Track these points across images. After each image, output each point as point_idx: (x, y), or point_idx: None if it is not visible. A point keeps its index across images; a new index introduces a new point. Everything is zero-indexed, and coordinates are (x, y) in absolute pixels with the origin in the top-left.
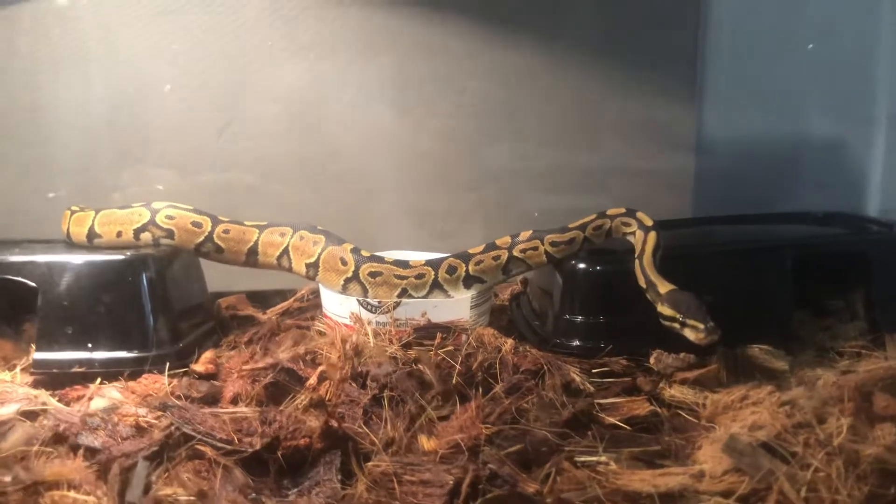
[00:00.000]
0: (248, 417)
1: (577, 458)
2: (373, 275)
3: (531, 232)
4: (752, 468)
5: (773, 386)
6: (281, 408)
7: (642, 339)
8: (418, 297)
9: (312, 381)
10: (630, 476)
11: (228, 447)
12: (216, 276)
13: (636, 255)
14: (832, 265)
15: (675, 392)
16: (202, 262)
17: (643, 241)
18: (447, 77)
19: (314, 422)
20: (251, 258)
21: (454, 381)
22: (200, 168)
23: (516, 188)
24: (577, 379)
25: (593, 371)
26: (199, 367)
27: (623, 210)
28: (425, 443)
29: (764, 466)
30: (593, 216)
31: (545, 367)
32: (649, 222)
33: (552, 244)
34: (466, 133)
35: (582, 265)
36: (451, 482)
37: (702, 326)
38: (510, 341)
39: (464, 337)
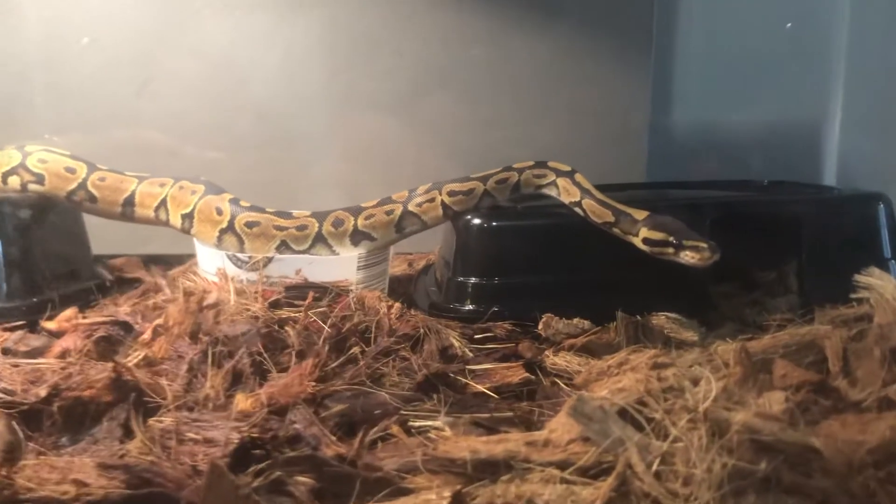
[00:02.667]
0: (48, 369)
1: (410, 423)
2: (249, 225)
3: (430, 184)
4: (599, 435)
5: (658, 350)
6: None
7: (537, 304)
8: (300, 251)
9: (146, 336)
10: (456, 442)
11: (8, 398)
12: (120, 237)
13: (578, 199)
14: (762, 232)
15: (557, 359)
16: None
17: (575, 182)
18: (383, 38)
19: (104, 373)
20: (127, 209)
21: (321, 344)
22: (116, 126)
23: (457, 159)
24: (456, 344)
25: (476, 337)
26: (51, 324)
27: (531, 162)
28: (242, 401)
29: (613, 433)
30: (498, 169)
31: (424, 332)
32: (567, 167)
33: (450, 194)
34: (402, 99)
35: (477, 220)
36: (237, 440)
37: (704, 245)
38: (396, 305)
39: (346, 299)
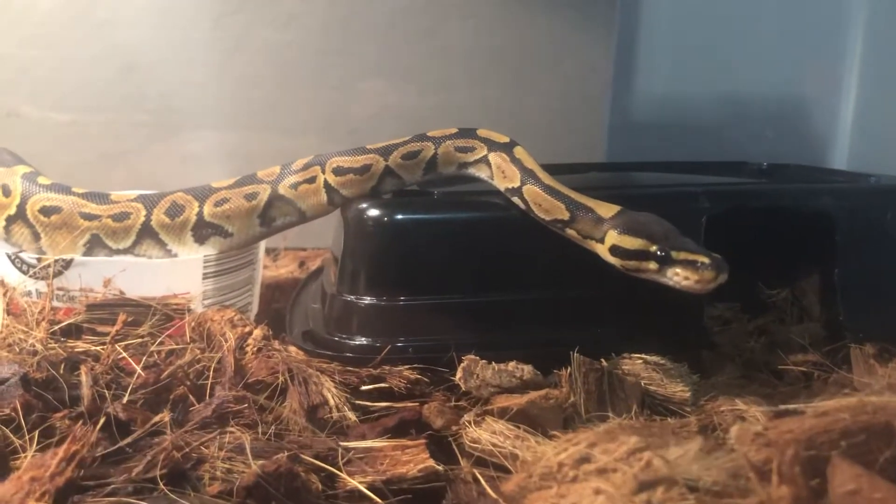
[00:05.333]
0: None
1: None
2: (46, 211)
3: (311, 157)
4: None
5: (640, 438)
6: None
7: (455, 337)
8: (119, 251)
9: None
10: None
11: None
12: None
13: (518, 184)
14: (775, 231)
15: (482, 432)
16: None
17: (514, 160)
18: None
19: None
20: None
21: (131, 399)
22: None
23: (372, 132)
24: (332, 402)
25: (363, 388)
26: None
27: (453, 130)
28: None
29: None
30: (406, 138)
31: (285, 379)
32: (505, 139)
33: (336, 171)
34: (305, 55)
35: (373, 212)
36: None
37: (704, 260)
38: (257, 332)
39: (181, 324)
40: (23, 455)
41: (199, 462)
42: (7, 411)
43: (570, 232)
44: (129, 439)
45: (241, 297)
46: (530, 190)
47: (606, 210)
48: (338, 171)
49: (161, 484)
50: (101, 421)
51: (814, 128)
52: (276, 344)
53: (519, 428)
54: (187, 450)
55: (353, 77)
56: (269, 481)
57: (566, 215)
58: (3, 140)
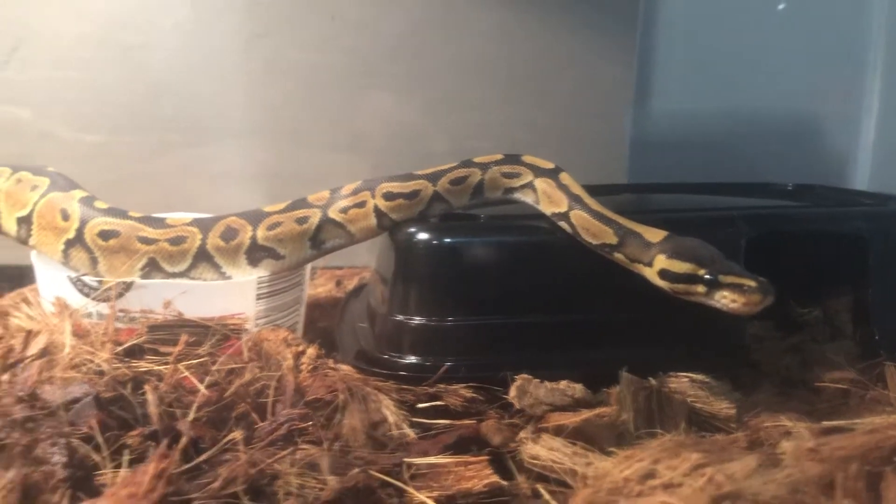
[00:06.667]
0: None
1: None
2: (105, 235)
3: (360, 182)
4: None
5: (702, 454)
6: None
7: (507, 357)
8: (175, 274)
9: None
10: None
11: None
12: None
13: (565, 209)
14: (806, 252)
15: (539, 449)
16: None
17: (561, 186)
18: None
19: None
20: None
21: (190, 418)
22: None
23: (401, 151)
24: (391, 419)
25: (419, 406)
26: None
27: (499, 156)
28: None
29: None
30: (454, 164)
31: (343, 398)
32: (550, 165)
33: (387, 196)
34: (335, 74)
35: (423, 235)
36: None
37: (751, 283)
38: (310, 351)
39: (238, 344)
40: (102, 472)
41: (273, 478)
42: (84, 429)
43: (618, 256)
44: (204, 456)
45: (290, 317)
46: (578, 215)
47: (654, 235)
48: (388, 197)
49: (245, 499)
50: (184, 440)
51: (834, 146)
52: (331, 363)
53: (575, 445)
54: (261, 466)
55: (381, 98)
56: (348, 496)
57: (614, 240)
58: (37, 161)
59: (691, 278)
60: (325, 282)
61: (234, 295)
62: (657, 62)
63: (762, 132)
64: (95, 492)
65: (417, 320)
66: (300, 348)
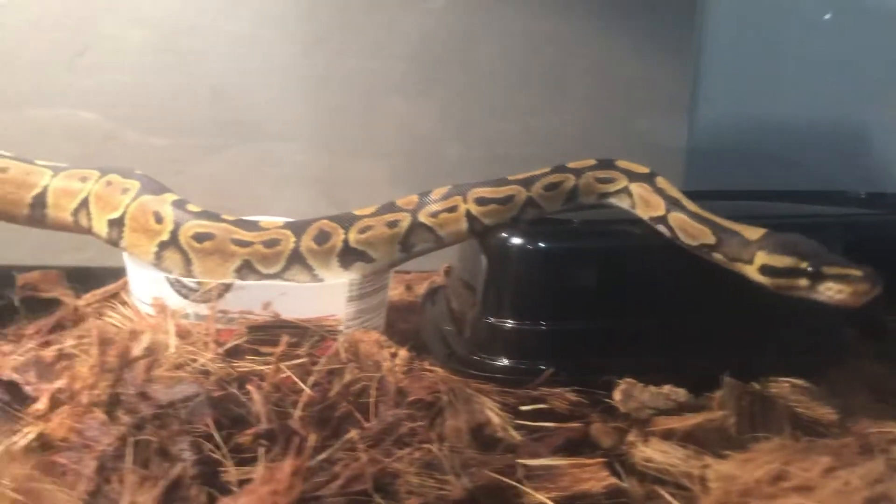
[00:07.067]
0: None
1: None
2: (199, 238)
3: (450, 187)
4: None
5: (832, 457)
6: None
7: (606, 361)
8: (269, 276)
9: (41, 405)
10: None
11: None
12: (32, 244)
13: (663, 213)
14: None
15: (652, 452)
16: None
17: (657, 190)
18: (370, 4)
19: None
20: (37, 212)
21: (297, 416)
22: (43, 105)
23: (457, 156)
24: (496, 421)
25: (522, 409)
26: None
27: (593, 161)
28: None
29: None
30: (547, 169)
31: (447, 399)
32: (645, 169)
33: (479, 201)
34: (393, 80)
35: (517, 240)
36: None
37: (856, 273)
38: (402, 353)
39: (333, 345)
40: (225, 469)
41: (394, 477)
42: (202, 428)
43: (717, 256)
44: (324, 454)
45: (375, 320)
46: (676, 217)
47: (753, 232)
48: (480, 202)
49: (375, 497)
50: (312, 438)
51: (886, 154)
52: (426, 364)
53: (686, 448)
54: (382, 465)
55: (439, 104)
56: (478, 495)
57: (713, 240)
58: (102, 163)
59: (794, 272)
60: (396, 286)
61: (327, 297)
62: (712, 69)
63: (815, 139)
64: (223, 489)
65: (511, 323)
66: (392, 350)
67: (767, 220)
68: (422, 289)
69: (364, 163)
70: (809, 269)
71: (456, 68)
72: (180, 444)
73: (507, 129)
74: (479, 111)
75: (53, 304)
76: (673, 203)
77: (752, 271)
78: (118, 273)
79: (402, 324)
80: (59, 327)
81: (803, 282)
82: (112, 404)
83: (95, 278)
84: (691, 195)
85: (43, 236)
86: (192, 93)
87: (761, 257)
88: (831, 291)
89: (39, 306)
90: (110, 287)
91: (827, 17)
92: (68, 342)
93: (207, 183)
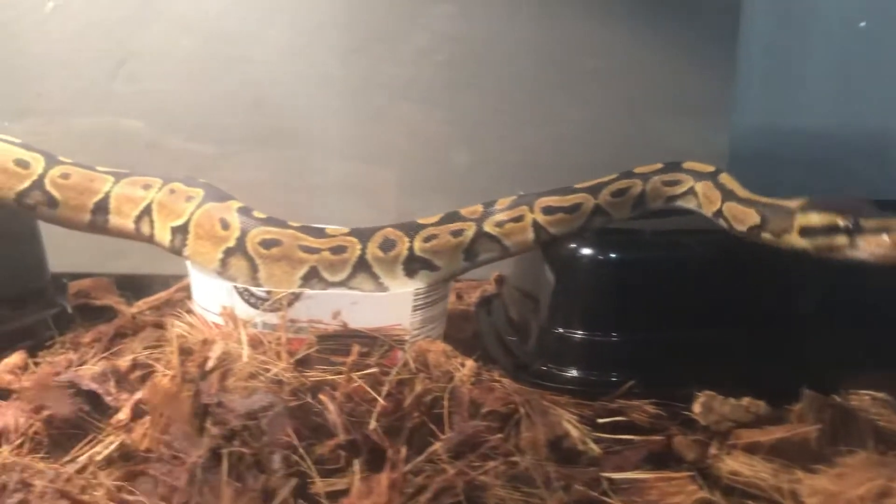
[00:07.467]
0: None
1: None
2: (267, 244)
3: (515, 197)
4: None
5: None
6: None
7: (680, 372)
8: (335, 283)
9: (123, 416)
10: None
11: None
12: (78, 250)
13: (719, 206)
14: None
15: (737, 465)
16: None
17: (718, 185)
18: (413, 11)
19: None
20: (98, 218)
21: (372, 427)
22: (86, 113)
23: (503, 163)
24: (574, 433)
25: (599, 421)
26: None
27: (658, 165)
28: None
29: None
30: (613, 175)
31: (522, 411)
32: (710, 168)
33: (546, 211)
34: (436, 86)
35: (587, 250)
36: None
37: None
38: (469, 364)
39: (399, 354)
40: (312, 481)
41: (482, 490)
42: (284, 438)
43: (766, 236)
44: (409, 466)
45: (436, 329)
46: (729, 206)
47: (796, 202)
48: (547, 211)
49: None
50: (403, 451)
51: None
52: (495, 375)
53: (773, 462)
54: (470, 477)
55: (482, 112)
56: None
57: (757, 219)
58: (144, 171)
59: (831, 230)
60: None
61: (393, 306)
62: (749, 75)
63: (856, 146)
64: (313, 501)
65: (580, 334)
66: (458, 360)
67: None
68: (472, 298)
69: (401, 170)
70: (845, 224)
71: (498, 75)
72: (273, 456)
73: (543, 135)
74: (523, 117)
75: (105, 311)
76: (727, 194)
77: (794, 239)
78: (163, 281)
79: (456, 333)
80: (119, 336)
81: (842, 239)
82: (196, 415)
83: (140, 286)
84: None
85: (86, 243)
86: (234, 101)
87: (800, 220)
88: (871, 246)
89: (92, 314)
90: (162, 294)
91: (862, 24)
92: (141, 351)
93: (248, 190)
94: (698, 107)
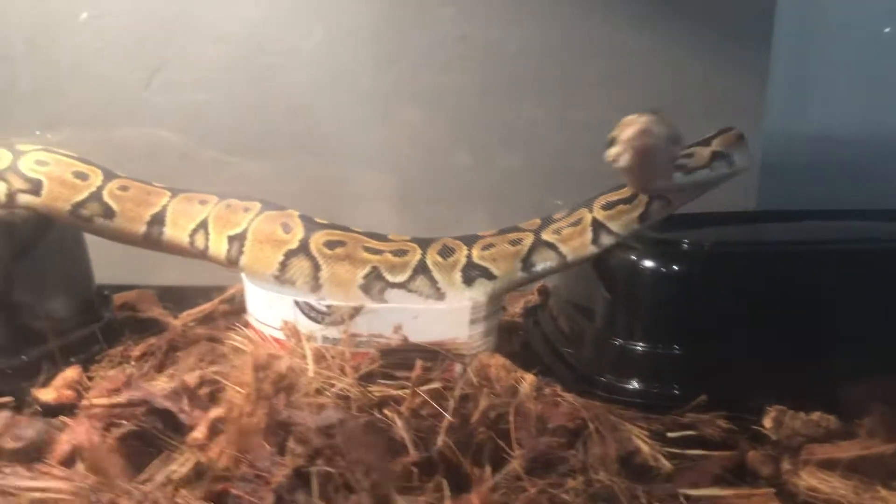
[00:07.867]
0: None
1: None
2: (331, 245)
3: (572, 205)
4: None
5: None
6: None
7: (749, 386)
8: (395, 284)
9: (199, 434)
10: None
11: None
12: (115, 262)
13: None
14: None
15: (815, 481)
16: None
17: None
18: (443, 19)
19: None
20: (154, 230)
21: (441, 444)
22: (120, 123)
23: (533, 169)
24: (645, 449)
25: (669, 435)
26: (46, 395)
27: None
28: None
29: None
30: None
31: (591, 426)
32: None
33: (605, 206)
34: (466, 93)
35: (648, 263)
36: None
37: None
38: (529, 378)
39: (457, 368)
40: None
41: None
42: (352, 456)
43: None
44: (491, 484)
45: (490, 342)
46: None
47: None
48: (607, 206)
49: None
50: (488, 469)
51: None
52: (557, 389)
53: (849, 479)
54: (550, 495)
55: (518, 119)
56: None
57: None
58: (178, 181)
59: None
60: None
61: (452, 319)
62: (779, 82)
63: (886, 153)
64: None
65: (642, 346)
66: (518, 374)
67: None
68: (516, 309)
69: (436, 179)
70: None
71: (524, 85)
72: (358, 474)
73: (581, 142)
74: (545, 129)
75: (150, 324)
76: None
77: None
78: (201, 292)
79: (505, 345)
80: (172, 349)
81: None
82: (273, 431)
83: (180, 297)
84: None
85: (124, 255)
86: (267, 111)
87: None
88: (612, 154)
89: (137, 326)
90: (206, 306)
91: (887, 30)
92: (200, 366)
93: (281, 199)
94: (730, 112)
